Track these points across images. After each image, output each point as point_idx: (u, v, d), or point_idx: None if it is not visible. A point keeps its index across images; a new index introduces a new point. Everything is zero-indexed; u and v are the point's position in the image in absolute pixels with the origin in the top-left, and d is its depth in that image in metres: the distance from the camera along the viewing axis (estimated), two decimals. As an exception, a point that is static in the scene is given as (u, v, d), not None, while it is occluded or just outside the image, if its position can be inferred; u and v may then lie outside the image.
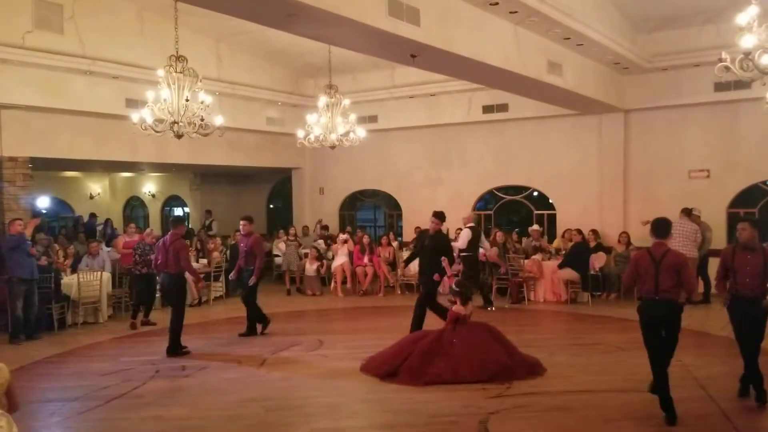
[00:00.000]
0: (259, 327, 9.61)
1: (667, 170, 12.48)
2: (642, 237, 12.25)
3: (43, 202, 18.95)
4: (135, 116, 8.03)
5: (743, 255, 5.96)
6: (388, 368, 7.18)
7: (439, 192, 14.81)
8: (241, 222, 9.76)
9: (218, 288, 12.99)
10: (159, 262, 8.69)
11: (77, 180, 20.83)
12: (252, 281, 9.41)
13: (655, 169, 12.61)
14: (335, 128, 10.50)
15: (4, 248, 9.50)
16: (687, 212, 11.16)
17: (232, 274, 10.19)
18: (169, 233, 8.80)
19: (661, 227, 5.84)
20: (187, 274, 8.87)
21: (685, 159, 12.31)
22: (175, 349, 8.50)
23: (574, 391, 6.62)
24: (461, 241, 11.31)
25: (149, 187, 21.32)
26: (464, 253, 11.17)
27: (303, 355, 8.40)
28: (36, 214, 10.53)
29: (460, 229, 12.30)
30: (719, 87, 11.43)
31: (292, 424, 5.85)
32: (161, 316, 10.38)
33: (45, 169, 15.44)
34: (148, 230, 12.00)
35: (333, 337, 9.50)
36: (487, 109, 13.80)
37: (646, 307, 5.73)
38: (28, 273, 9.44)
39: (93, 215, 18.17)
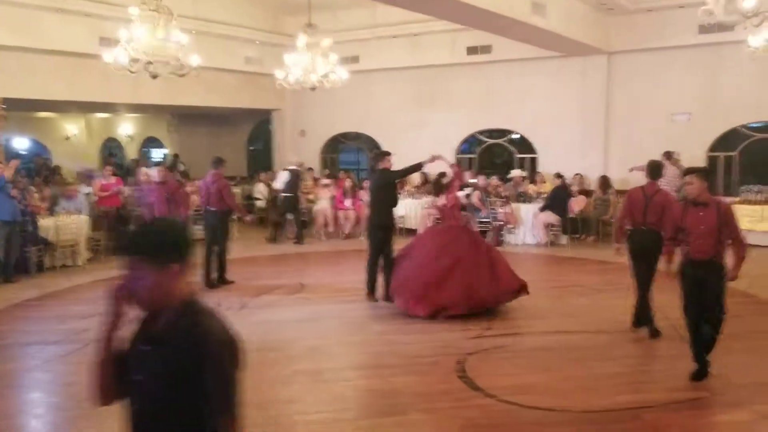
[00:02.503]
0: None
1: (648, 113, 12.47)
2: (623, 181, 12.38)
3: (21, 143, 18.58)
4: (108, 56, 7.80)
5: (695, 212, 5.17)
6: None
7: (423, 135, 14.67)
8: (157, 169, 9.07)
9: (198, 232, 12.87)
10: (202, 200, 9.24)
11: (52, 121, 20.38)
12: None
13: (637, 113, 12.60)
14: (315, 69, 10.26)
15: None
16: (668, 156, 11.20)
17: None
18: (211, 173, 9.09)
19: (653, 169, 6.53)
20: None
21: (667, 102, 12.29)
22: (223, 280, 9.12)
23: (550, 332, 6.75)
24: (278, 182, 12.16)
25: (126, 128, 20.94)
26: (284, 194, 12.29)
27: (284, 298, 8.45)
28: (15, 155, 10.31)
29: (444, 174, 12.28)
30: (703, 29, 11.35)
31: (273, 365, 5.91)
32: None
33: (19, 109, 15.06)
34: (143, 170, 11.83)
35: (314, 280, 9.53)
36: (471, 50, 13.59)
37: (635, 236, 6.36)
38: (9, 215, 9.31)
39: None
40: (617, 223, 6.88)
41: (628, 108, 12.69)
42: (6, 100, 11.19)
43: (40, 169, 16.35)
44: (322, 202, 13.42)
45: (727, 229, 5.07)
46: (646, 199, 6.29)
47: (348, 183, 13.45)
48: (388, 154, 8.29)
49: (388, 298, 7.72)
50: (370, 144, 16.56)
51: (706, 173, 5.29)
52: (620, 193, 12.21)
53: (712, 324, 5.17)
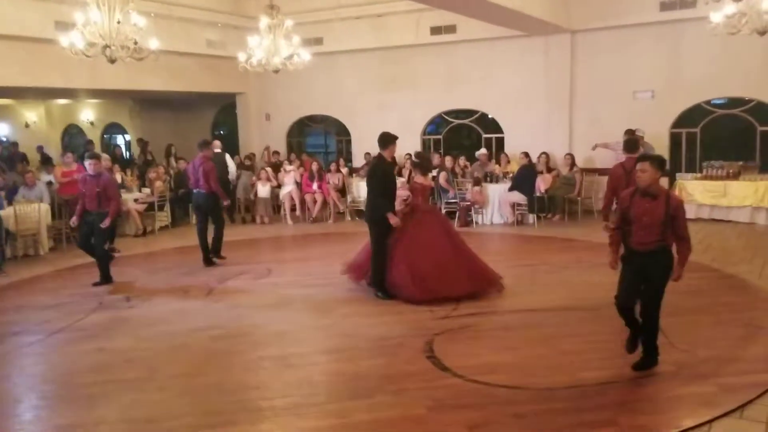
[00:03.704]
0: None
1: (612, 91, 12.55)
2: (587, 159, 12.50)
3: (1, 130, 18.04)
4: (65, 40, 7.57)
5: (642, 202, 4.86)
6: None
7: (389, 116, 14.57)
8: (89, 161, 8.47)
9: (163, 218, 12.73)
10: (191, 182, 9.50)
11: (10, 108, 19.80)
12: (106, 224, 8.27)
13: (600, 91, 12.66)
14: (278, 51, 10.12)
15: None
16: (630, 133, 11.30)
17: (74, 220, 8.60)
18: (199, 156, 9.37)
19: (630, 144, 6.85)
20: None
21: (630, 80, 12.38)
22: (218, 255, 9.47)
23: (517, 310, 6.80)
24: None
25: (87, 114, 20.44)
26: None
27: (251, 283, 8.37)
28: None
29: (410, 155, 12.29)
30: (665, 6, 11.46)
31: (238, 352, 5.86)
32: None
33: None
34: (103, 156, 11.53)
35: (282, 265, 9.47)
36: (435, 30, 13.51)
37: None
38: None
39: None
40: (603, 201, 6.85)
41: (591, 86, 12.76)
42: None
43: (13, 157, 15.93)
44: (288, 187, 13.30)
45: (674, 224, 4.79)
46: (627, 174, 6.30)
47: (314, 166, 13.35)
48: (394, 139, 7.53)
49: (373, 284, 7.45)
50: (337, 127, 16.44)
51: (660, 162, 4.93)
52: (585, 171, 12.35)
53: (646, 315, 4.94)
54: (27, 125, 20.08)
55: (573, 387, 4.81)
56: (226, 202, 10.09)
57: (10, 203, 10.46)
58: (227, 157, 13.68)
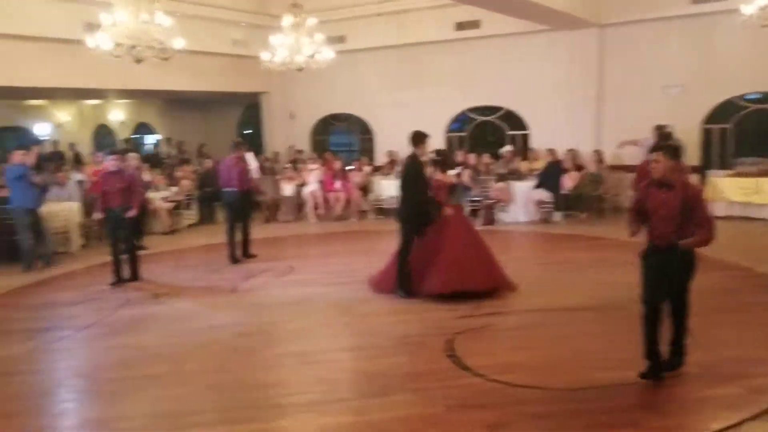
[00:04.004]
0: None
1: (641, 86, 12.32)
2: (615, 155, 12.31)
3: (41, 130, 18.47)
4: (92, 41, 7.71)
5: (658, 194, 4.66)
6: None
7: (411, 114, 14.53)
8: (110, 158, 8.59)
9: (190, 216, 12.90)
10: (222, 180, 9.59)
11: (43, 108, 20.17)
12: (134, 213, 8.47)
13: (629, 86, 12.45)
14: (301, 49, 10.18)
15: (7, 179, 9.38)
16: (660, 128, 11.09)
17: (97, 214, 8.79)
18: (231, 156, 9.63)
19: (662, 139, 7.03)
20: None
21: (660, 74, 12.15)
22: (248, 254, 9.65)
23: (539, 310, 6.74)
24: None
25: (117, 114, 20.76)
26: None
27: (274, 281, 8.43)
28: (35, 142, 10.29)
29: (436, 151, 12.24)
30: (696, -1, 11.25)
31: (259, 349, 5.92)
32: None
33: (8, 98, 14.93)
34: (127, 155, 11.73)
35: (304, 262, 9.51)
36: (459, 26, 13.44)
37: None
38: (32, 203, 9.32)
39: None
40: (632, 200, 6.78)
41: (620, 81, 12.56)
42: (-9, 89, 11.13)
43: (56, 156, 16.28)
44: (311, 185, 13.37)
45: (693, 214, 4.56)
46: None
47: (337, 165, 13.39)
48: (425, 136, 7.48)
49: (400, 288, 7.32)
50: (361, 125, 16.46)
51: (674, 151, 4.73)
52: (613, 168, 12.18)
53: (675, 314, 4.83)
54: (59, 125, 20.45)
55: (594, 387, 4.76)
56: (263, 196, 10.09)
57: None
58: (248, 155, 13.71)
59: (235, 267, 9.27)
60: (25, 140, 19.53)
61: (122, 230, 8.44)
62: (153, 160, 15.51)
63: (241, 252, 9.64)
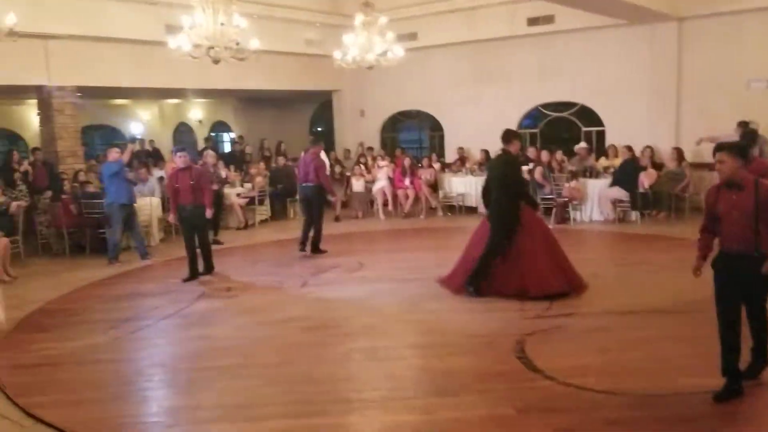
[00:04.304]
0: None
1: (723, 81, 11.74)
2: (696, 153, 11.79)
3: (137, 128, 19.40)
4: (172, 42, 7.99)
5: (728, 195, 4.37)
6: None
7: (482, 110, 14.44)
8: (178, 155, 8.70)
9: (263, 212, 13.21)
10: (300, 175, 9.96)
11: (127, 107, 21.14)
12: (209, 213, 8.71)
13: (710, 81, 11.89)
14: (372, 48, 10.22)
15: (104, 175, 9.87)
16: (743, 125, 10.59)
17: (171, 216, 8.97)
18: (310, 151, 9.92)
19: (749, 137, 6.92)
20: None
21: (744, 68, 11.54)
22: (317, 249, 9.78)
23: (614, 312, 6.54)
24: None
25: (196, 113, 21.52)
26: None
27: (343, 276, 8.54)
28: (132, 139, 10.85)
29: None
30: (782, -10, 10.63)
31: (329, 343, 6.00)
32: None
33: (94, 97, 15.70)
34: (205, 152, 12.15)
35: (373, 258, 9.58)
36: (532, 21, 13.17)
37: None
38: (127, 198, 9.76)
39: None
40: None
41: (700, 76, 12.01)
42: (80, 89, 11.71)
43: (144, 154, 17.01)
44: (380, 182, 13.44)
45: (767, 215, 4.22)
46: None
47: (406, 162, 13.40)
48: (516, 134, 7.43)
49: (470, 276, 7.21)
50: (431, 122, 16.42)
51: (739, 149, 4.40)
52: (693, 166, 11.67)
53: (755, 326, 4.50)
54: (142, 124, 21.38)
55: (671, 394, 4.57)
56: (333, 198, 10.57)
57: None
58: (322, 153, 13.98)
59: (304, 262, 9.43)
60: (114, 138, 20.62)
61: (199, 227, 8.62)
62: (232, 157, 15.87)
63: (311, 247, 9.79)
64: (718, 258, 4.50)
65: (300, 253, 9.72)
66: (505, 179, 7.08)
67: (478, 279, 7.10)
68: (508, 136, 7.22)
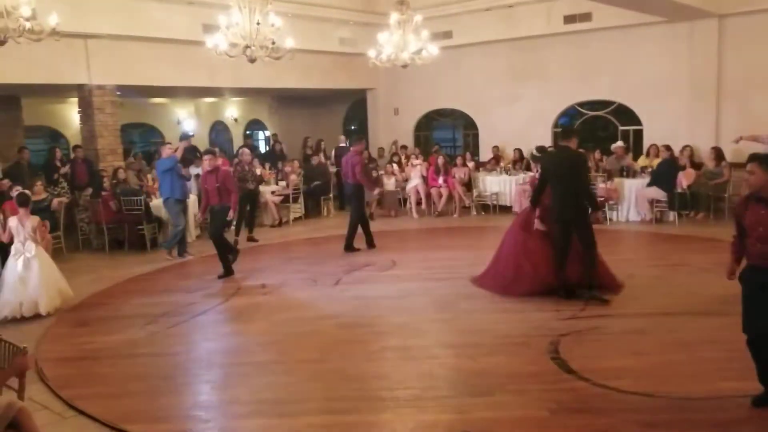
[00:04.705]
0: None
1: (765, 80, 11.44)
2: (736, 152, 11.52)
3: (190, 125, 19.91)
4: (210, 42, 8.11)
5: (756, 209, 4.16)
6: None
7: (517, 109, 14.33)
8: (205, 158, 9.01)
9: (297, 209, 13.32)
10: (343, 173, 10.31)
11: (164, 106, 21.47)
12: (232, 215, 8.83)
13: (752, 79, 11.59)
14: (407, 46, 10.22)
15: (157, 171, 10.11)
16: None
17: (199, 216, 9.84)
18: (351, 149, 10.29)
19: None
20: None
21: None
22: (350, 247, 9.92)
23: (650, 314, 6.44)
24: None
25: (232, 111, 21.78)
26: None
27: (376, 274, 8.56)
28: (184, 136, 11.09)
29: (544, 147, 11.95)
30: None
31: (362, 341, 6.03)
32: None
33: (133, 96, 16.01)
34: (241, 150, 12.29)
35: (406, 257, 9.58)
36: (569, 19, 13.01)
37: None
38: (181, 194, 9.99)
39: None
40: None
41: (741, 74, 11.72)
42: (120, 87, 11.95)
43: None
44: (414, 179, 13.43)
45: None
46: None
47: (440, 160, 13.37)
48: (576, 131, 7.36)
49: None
50: (465, 120, 16.34)
51: None
52: (734, 166, 11.41)
53: None
54: (179, 122, 21.70)
55: (710, 398, 4.49)
56: (375, 192, 11.14)
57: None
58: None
59: (338, 260, 9.48)
60: (152, 136, 21.02)
61: (214, 225, 8.78)
62: (271, 155, 15.91)
63: (366, 241, 10.08)
64: (745, 270, 4.33)
65: (344, 256, 9.73)
66: (574, 174, 6.78)
67: (561, 281, 6.89)
68: (568, 132, 7.19)
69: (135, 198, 10.51)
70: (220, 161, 12.17)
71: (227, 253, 8.77)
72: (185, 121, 19.64)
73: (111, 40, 11.13)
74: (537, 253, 7.09)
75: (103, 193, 10.70)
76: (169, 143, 10.55)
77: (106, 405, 4.77)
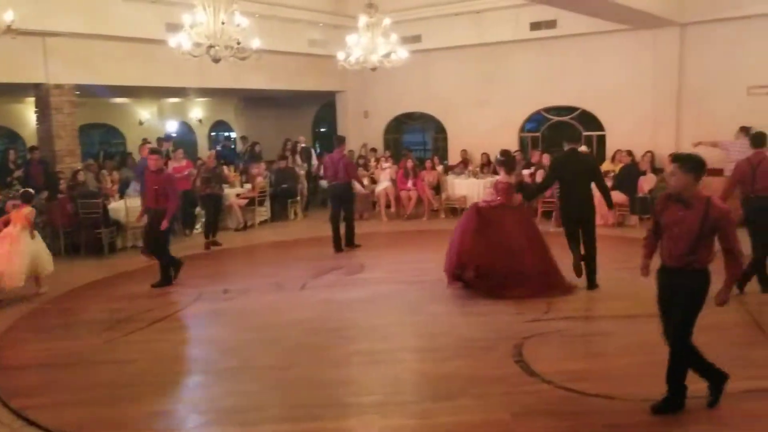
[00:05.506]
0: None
1: (724, 87, 11.69)
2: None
3: (172, 127, 19.57)
4: (173, 41, 7.96)
5: (674, 209, 4.17)
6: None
7: (486, 113, 14.40)
8: (151, 157, 8.42)
9: (263, 212, 13.17)
10: (329, 174, 10.22)
11: (126, 106, 21.07)
12: (164, 225, 8.04)
13: (711, 87, 11.85)
14: (376, 49, 10.19)
15: (137, 172, 9.86)
16: (745, 131, 10.55)
17: (138, 216, 9.01)
18: (336, 151, 10.21)
19: (758, 138, 7.13)
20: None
21: (745, 75, 11.49)
22: (352, 244, 10.19)
23: (613, 316, 6.51)
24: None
25: (196, 112, 21.46)
26: None
27: (344, 278, 8.51)
28: (167, 137, 10.90)
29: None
30: (785, -5, 10.58)
31: (329, 346, 5.96)
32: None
33: (93, 96, 15.67)
34: (209, 153, 12.13)
35: (375, 260, 9.51)
36: (535, 25, 13.15)
37: (746, 203, 6.98)
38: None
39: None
40: (722, 193, 6.90)
41: (702, 82, 11.97)
42: (79, 87, 11.66)
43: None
44: (384, 182, 13.41)
45: (719, 237, 4.09)
46: (753, 169, 6.82)
47: (409, 163, 13.37)
48: (579, 137, 7.87)
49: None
50: (434, 124, 16.38)
51: (694, 165, 4.11)
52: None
53: (671, 347, 4.29)
54: (141, 123, 21.30)
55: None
56: (364, 190, 11.16)
57: (122, 197, 11.16)
58: (312, 150, 14.84)
59: (305, 263, 9.37)
60: (112, 137, 20.64)
61: (157, 236, 8.15)
62: (252, 157, 15.68)
63: (344, 242, 10.13)
64: (658, 270, 4.38)
65: (337, 253, 9.94)
66: (597, 175, 7.63)
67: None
68: (576, 137, 7.98)
69: (93, 201, 10.24)
70: (184, 163, 12.12)
71: (169, 263, 8.33)
72: (168, 122, 19.42)
73: (71, 38, 10.84)
74: (480, 243, 7.19)
75: (60, 196, 10.42)
76: (150, 142, 10.30)
77: (61, 414, 4.63)
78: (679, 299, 4.19)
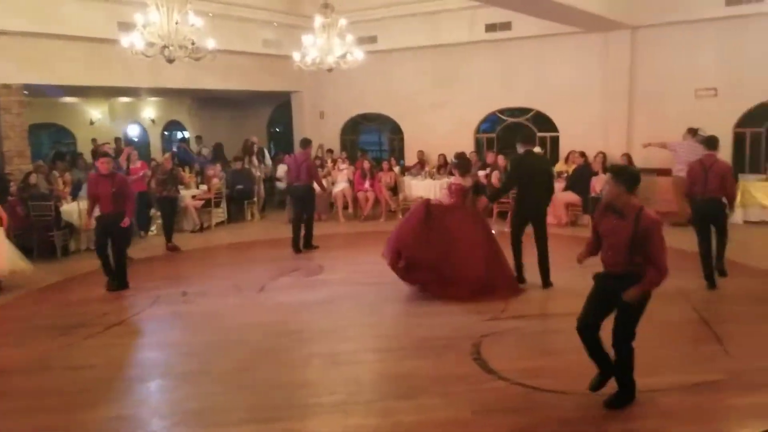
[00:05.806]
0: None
1: (673, 89, 12.13)
2: (645, 158, 12.13)
3: (133, 131, 19.09)
4: (125, 40, 7.84)
5: (610, 219, 4.35)
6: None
7: (442, 115, 14.57)
8: (101, 160, 8.16)
9: (219, 214, 13.04)
10: (292, 176, 10.40)
11: (77, 106, 20.55)
12: (125, 222, 8.02)
13: (661, 89, 12.26)
14: (332, 50, 10.22)
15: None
16: (693, 132, 10.98)
17: (87, 221, 8.53)
18: (300, 152, 10.42)
19: (711, 141, 7.48)
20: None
21: (693, 77, 11.94)
22: (310, 245, 10.28)
23: (567, 314, 6.53)
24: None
25: (149, 112, 21.07)
26: None
27: (303, 280, 8.51)
28: (128, 142, 10.68)
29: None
30: (730, 1, 11.01)
31: (288, 348, 5.97)
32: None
33: (42, 96, 15.26)
34: (166, 155, 11.94)
35: (333, 262, 9.54)
36: (490, 27, 13.36)
37: (697, 204, 7.29)
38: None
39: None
40: (684, 197, 7.46)
41: (651, 84, 12.38)
42: (28, 87, 11.36)
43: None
44: (341, 184, 13.44)
45: (646, 247, 4.20)
46: (705, 171, 7.14)
47: (366, 164, 13.43)
48: (532, 138, 8.09)
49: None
50: (391, 125, 16.48)
51: (628, 178, 4.27)
52: (643, 171, 11.97)
53: (615, 349, 4.46)
54: (92, 123, 20.81)
55: (622, 394, 4.72)
56: (324, 191, 11.29)
57: (74, 199, 10.91)
58: (265, 151, 14.97)
59: (263, 265, 9.35)
60: (62, 137, 20.09)
61: (118, 240, 8.05)
62: (216, 158, 15.49)
63: (302, 243, 10.23)
64: (600, 272, 4.58)
65: (296, 254, 10.02)
66: (551, 177, 7.95)
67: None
68: (530, 138, 8.44)
69: (45, 203, 9.99)
70: (139, 164, 11.91)
71: (125, 266, 8.22)
72: (130, 125, 19.08)
73: (19, 37, 10.56)
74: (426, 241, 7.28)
75: (10, 198, 10.13)
76: (107, 143, 10.09)
77: (16, 422, 4.55)
78: (622, 304, 4.33)
